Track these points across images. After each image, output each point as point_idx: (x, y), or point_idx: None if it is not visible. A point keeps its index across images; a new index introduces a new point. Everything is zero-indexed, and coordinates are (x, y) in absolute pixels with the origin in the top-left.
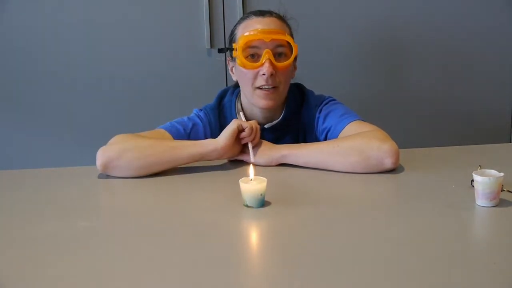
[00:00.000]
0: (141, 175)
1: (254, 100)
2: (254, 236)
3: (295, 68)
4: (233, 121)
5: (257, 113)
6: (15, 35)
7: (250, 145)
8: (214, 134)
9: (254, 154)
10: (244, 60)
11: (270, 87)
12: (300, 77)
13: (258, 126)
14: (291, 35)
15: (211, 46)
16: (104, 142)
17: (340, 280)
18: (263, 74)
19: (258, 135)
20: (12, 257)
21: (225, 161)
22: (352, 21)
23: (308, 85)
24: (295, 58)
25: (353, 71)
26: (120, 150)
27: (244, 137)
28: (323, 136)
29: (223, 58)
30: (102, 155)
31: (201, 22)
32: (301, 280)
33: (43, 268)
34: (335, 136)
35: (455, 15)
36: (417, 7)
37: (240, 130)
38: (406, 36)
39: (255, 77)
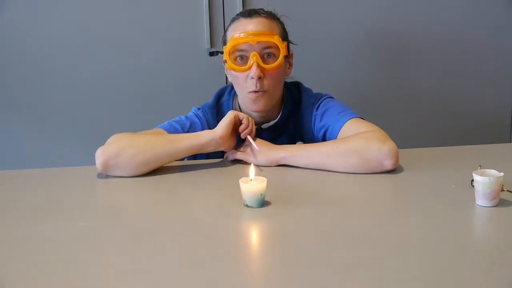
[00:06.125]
0: (141, 172)
1: (246, 103)
2: (254, 236)
3: (290, 65)
4: (229, 111)
5: (253, 113)
6: (15, 35)
7: (249, 137)
8: None
9: (254, 155)
10: (232, 64)
11: (260, 90)
12: (300, 75)
13: (252, 119)
14: (283, 33)
15: (211, 46)
16: (104, 142)
17: (340, 280)
18: (252, 78)
19: (254, 127)
20: (12, 257)
21: (226, 161)
22: (352, 20)
23: (308, 84)
24: (289, 56)
25: (354, 70)
26: (118, 148)
27: (243, 130)
28: (321, 134)
29: (220, 60)
30: (101, 154)
31: (201, 22)
32: (301, 280)
33: (43, 268)
34: (334, 135)
35: (455, 15)
36: (418, 7)
37: (237, 120)
38: (406, 35)
39: (245, 80)
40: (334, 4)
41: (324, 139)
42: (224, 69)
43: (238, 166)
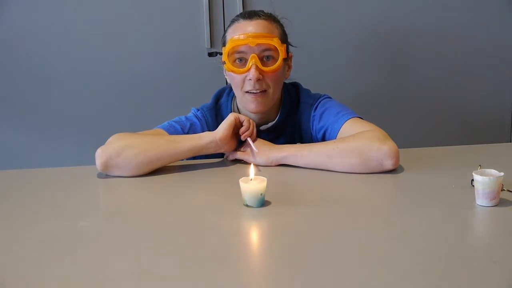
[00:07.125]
0: (141, 172)
1: (244, 103)
2: (254, 236)
3: (289, 67)
4: (230, 114)
5: (252, 115)
6: (15, 36)
7: (249, 139)
8: None
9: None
10: (231, 66)
11: (258, 91)
12: (299, 76)
13: (253, 121)
14: (282, 36)
15: (211, 46)
16: (104, 142)
17: (340, 280)
18: (250, 79)
19: (255, 129)
20: (12, 257)
21: (226, 161)
22: (352, 19)
23: (307, 84)
24: (288, 59)
25: (354, 70)
26: (119, 148)
27: (244, 132)
28: (320, 134)
29: (219, 61)
30: (101, 154)
31: (201, 22)
32: (301, 280)
33: (43, 268)
34: (334, 136)
35: (455, 14)
36: (418, 6)
37: (238, 123)
38: (406, 36)
39: (243, 81)
40: (334, 6)
41: (323, 139)
42: (222, 70)
43: (238, 166)
